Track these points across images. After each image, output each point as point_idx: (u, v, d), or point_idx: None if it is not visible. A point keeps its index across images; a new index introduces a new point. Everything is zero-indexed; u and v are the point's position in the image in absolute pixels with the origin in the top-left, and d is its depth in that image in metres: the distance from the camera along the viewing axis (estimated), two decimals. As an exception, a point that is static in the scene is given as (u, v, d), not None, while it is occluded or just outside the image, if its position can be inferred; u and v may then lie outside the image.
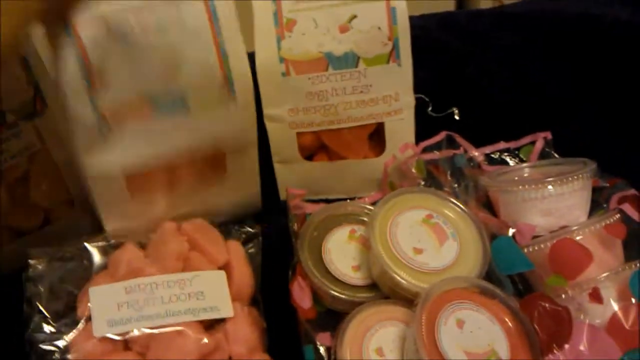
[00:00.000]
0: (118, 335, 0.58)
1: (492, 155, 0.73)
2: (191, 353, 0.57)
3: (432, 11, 0.94)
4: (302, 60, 0.69)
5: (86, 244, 0.64)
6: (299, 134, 0.72)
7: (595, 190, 0.66)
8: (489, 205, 0.67)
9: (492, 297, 0.57)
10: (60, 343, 0.58)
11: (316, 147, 0.74)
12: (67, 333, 0.58)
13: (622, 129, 0.78)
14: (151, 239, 0.65)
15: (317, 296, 0.63)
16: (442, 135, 0.71)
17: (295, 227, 0.66)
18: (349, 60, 0.68)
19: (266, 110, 0.71)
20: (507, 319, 0.55)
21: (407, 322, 0.58)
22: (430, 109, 0.80)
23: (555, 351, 0.54)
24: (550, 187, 0.62)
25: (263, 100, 0.70)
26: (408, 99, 0.71)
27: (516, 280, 0.61)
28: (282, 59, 0.68)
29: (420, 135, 0.73)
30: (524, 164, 0.70)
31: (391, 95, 0.70)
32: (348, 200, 0.71)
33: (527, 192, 0.63)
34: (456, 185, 0.68)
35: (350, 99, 0.69)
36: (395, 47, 0.68)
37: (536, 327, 0.54)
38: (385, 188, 0.72)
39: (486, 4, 1.52)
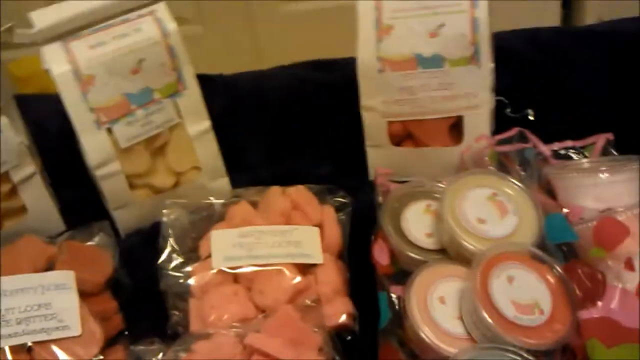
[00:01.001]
0: (230, 269, 0.72)
1: (559, 152, 0.83)
2: (287, 289, 0.70)
3: (538, 23, 1.06)
4: (396, 60, 0.81)
5: (211, 198, 0.79)
6: (389, 123, 0.84)
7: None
8: (550, 193, 0.77)
9: (540, 261, 0.67)
10: (185, 271, 0.73)
11: (404, 135, 0.86)
12: (190, 264, 0.73)
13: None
14: (261, 199, 0.79)
15: (394, 257, 0.74)
16: (514, 130, 0.82)
17: (380, 199, 0.79)
18: (436, 61, 0.80)
19: (363, 102, 0.84)
20: (551, 280, 0.66)
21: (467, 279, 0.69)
22: (508, 110, 0.90)
23: (589, 307, 0.64)
24: (602, 175, 0.72)
25: (361, 93, 0.83)
26: (486, 96, 0.82)
27: (565, 252, 0.70)
28: (379, 58, 0.81)
29: (497, 133, 0.84)
30: (585, 159, 0.80)
31: (471, 92, 0.81)
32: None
33: (581, 178, 0.73)
34: (523, 173, 0.78)
35: (435, 94, 0.81)
36: (476, 51, 0.79)
37: (575, 286, 0.64)
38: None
39: (591, 19, 1.61)
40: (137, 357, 0.67)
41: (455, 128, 0.85)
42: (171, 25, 0.79)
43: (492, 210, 0.72)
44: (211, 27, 1.61)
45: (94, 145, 0.78)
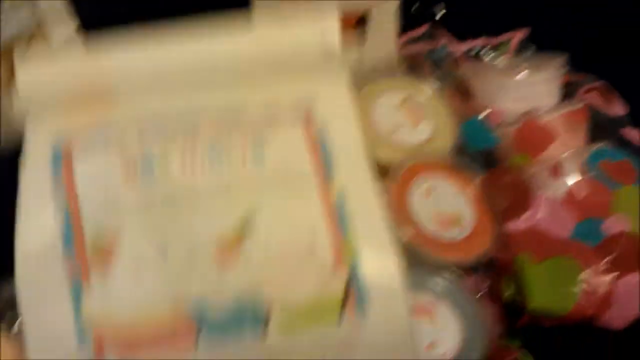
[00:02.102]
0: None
1: (471, 52, 0.76)
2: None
3: None
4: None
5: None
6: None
7: (566, 85, 0.70)
8: (465, 96, 0.71)
9: (459, 171, 0.61)
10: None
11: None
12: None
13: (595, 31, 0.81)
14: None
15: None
16: (424, 27, 0.74)
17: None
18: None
19: None
20: (472, 191, 0.60)
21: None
22: (417, 5, 0.82)
23: (514, 219, 0.59)
24: (522, 73, 0.66)
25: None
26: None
27: (484, 161, 0.65)
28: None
29: (404, 32, 0.76)
30: (502, 57, 0.73)
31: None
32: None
33: (499, 78, 0.67)
34: (435, 75, 0.71)
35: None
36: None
37: (498, 196, 0.59)
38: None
39: None
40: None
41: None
42: None
43: (404, 117, 0.64)
44: None
45: None
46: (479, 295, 0.57)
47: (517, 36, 0.75)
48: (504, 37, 0.76)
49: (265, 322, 0.35)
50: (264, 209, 0.38)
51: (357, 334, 0.36)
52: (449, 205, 0.58)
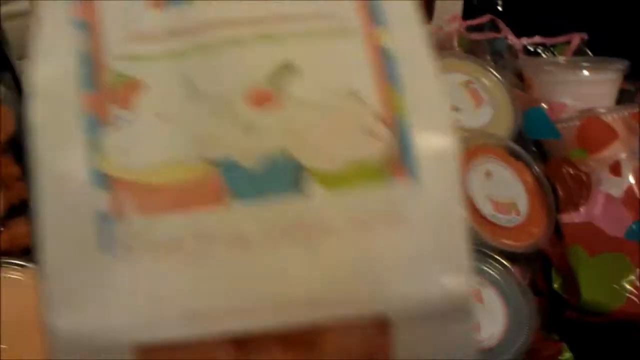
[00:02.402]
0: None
1: (529, 47, 0.76)
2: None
3: None
4: None
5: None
6: None
7: (622, 92, 0.70)
8: (523, 86, 0.71)
9: (517, 158, 0.61)
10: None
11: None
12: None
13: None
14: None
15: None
16: (486, 17, 0.74)
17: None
18: None
19: None
20: (528, 179, 0.60)
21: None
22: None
23: (571, 211, 0.58)
24: (585, 72, 0.66)
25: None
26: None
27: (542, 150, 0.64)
28: None
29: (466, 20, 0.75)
30: (560, 57, 0.73)
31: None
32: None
33: (562, 74, 0.66)
34: (494, 64, 0.71)
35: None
36: None
37: (557, 186, 0.59)
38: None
39: None
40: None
41: (426, 7, 0.76)
42: None
43: (466, 98, 0.64)
44: None
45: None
46: (525, 285, 0.57)
47: (576, 38, 0.75)
48: (561, 39, 0.76)
49: (301, 178, 0.31)
50: (303, 53, 0.33)
51: (405, 196, 0.31)
52: (505, 191, 0.58)
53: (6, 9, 0.65)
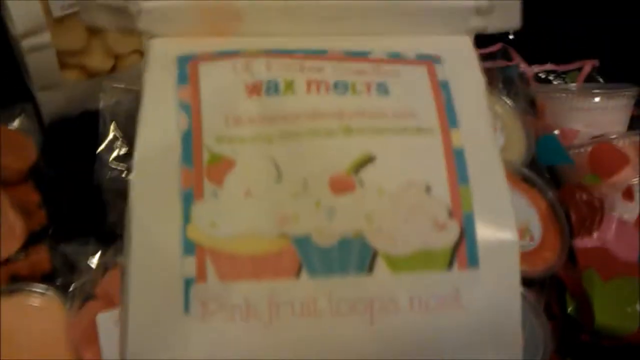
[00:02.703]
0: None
1: (540, 75, 0.77)
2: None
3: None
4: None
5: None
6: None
7: (633, 119, 0.71)
8: (535, 113, 0.72)
9: (531, 184, 0.61)
10: (129, 164, 0.62)
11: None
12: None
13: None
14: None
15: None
16: (498, 46, 0.75)
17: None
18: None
19: None
20: (541, 205, 0.60)
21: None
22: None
23: (584, 236, 0.59)
24: (597, 99, 0.67)
25: None
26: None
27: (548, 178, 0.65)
28: None
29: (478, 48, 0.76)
30: (572, 84, 0.74)
31: None
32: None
33: (574, 101, 0.67)
34: (506, 92, 0.72)
35: None
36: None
37: (571, 212, 0.59)
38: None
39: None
40: (65, 257, 0.58)
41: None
42: None
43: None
44: None
45: (22, 10, 0.66)
46: (539, 309, 0.57)
47: (587, 65, 0.76)
48: (573, 66, 0.77)
49: (372, 259, 0.35)
50: (383, 147, 0.36)
51: (466, 284, 0.35)
52: (519, 217, 0.59)
53: (28, 41, 0.67)
